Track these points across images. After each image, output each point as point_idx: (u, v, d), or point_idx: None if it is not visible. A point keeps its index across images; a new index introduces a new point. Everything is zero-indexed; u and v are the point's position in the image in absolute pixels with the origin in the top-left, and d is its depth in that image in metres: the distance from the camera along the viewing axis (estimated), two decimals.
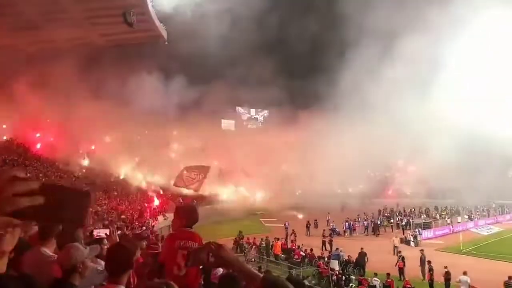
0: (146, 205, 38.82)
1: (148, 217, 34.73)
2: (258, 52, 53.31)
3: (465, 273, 17.36)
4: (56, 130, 40.75)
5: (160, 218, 35.33)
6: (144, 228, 26.96)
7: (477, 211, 43.22)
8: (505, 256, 24.86)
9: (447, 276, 18.41)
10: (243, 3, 42.46)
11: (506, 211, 45.09)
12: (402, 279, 19.93)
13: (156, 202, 40.73)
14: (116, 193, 39.36)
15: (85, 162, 43.92)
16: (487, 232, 35.94)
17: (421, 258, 21.30)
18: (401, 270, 20.85)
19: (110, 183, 41.66)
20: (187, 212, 4.53)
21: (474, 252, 27.14)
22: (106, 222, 26.52)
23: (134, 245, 3.12)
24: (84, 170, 42.09)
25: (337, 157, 46.71)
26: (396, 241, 27.49)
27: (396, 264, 21.22)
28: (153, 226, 31.49)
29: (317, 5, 57.33)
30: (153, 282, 2.94)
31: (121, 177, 45.23)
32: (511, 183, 48.29)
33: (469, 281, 16.88)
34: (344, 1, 47.52)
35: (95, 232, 15.94)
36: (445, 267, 18.72)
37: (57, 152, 38.81)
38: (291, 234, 30.48)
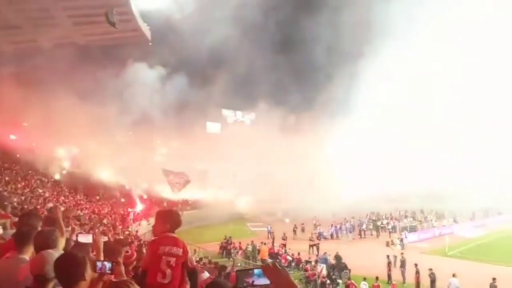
0: (129, 209, 38.16)
1: (131, 222, 34.13)
2: (244, 53, 53.13)
3: (454, 275, 17.29)
4: (36, 133, 39.81)
5: (144, 223, 34.75)
6: (127, 233, 26.39)
7: (462, 214, 43.59)
8: (490, 258, 25.00)
9: (432, 278, 18.37)
10: (228, 3, 42.44)
11: (491, 214, 45.63)
12: (389, 282, 19.84)
13: (140, 206, 40.08)
14: (98, 197, 38.60)
15: (66, 165, 42.98)
16: (472, 234, 36.21)
17: (401, 261, 21.34)
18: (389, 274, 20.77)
19: (91, 187, 40.78)
20: (169, 216, 4.29)
21: (459, 255, 27.22)
22: (88, 227, 25.84)
23: (83, 256, 2.86)
24: (64, 172, 41.17)
25: (326, 161, 46.81)
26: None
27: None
28: (137, 231, 30.96)
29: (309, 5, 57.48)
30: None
31: (104, 180, 44.40)
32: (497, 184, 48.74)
33: (459, 284, 16.80)
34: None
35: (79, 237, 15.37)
36: (430, 269, 18.66)
37: (37, 156, 37.90)
38: (282, 238, 30.19)
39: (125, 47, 42.16)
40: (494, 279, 16.68)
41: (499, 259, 24.67)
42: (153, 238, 4.43)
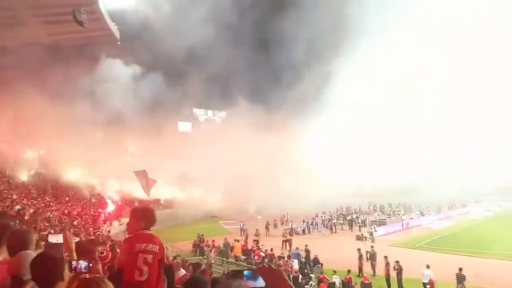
0: (100, 210, 37.47)
1: (102, 223, 33.56)
2: (218, 52, 53.02)
3: (428, 267, 17.88)
4: (3, 134, 38.46)
5: (115, 223, 34.22)
6: (99, 233, 25.96)
7: (428, 208, 44.99)
8: (456, 249, 26.01)
9: (398, 270, 18.88)
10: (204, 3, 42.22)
11: (455, 206, 47.31)
12: (360, 275, 20.27)
13: (111, 207, 39.40)
14: (68, 198, 37.70)
15: (34, 166, 41.75)
16: (438, 226, 37.48)
17: (370, 254, 21.77)
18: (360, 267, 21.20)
19: (61, 188, 39.77)
20: (144, 214, 4.26)
21: (427, 247, 28.11)
22: (58, 229, 25.28)
23: (61, 257, 2.88)
24: (32, 173, 40.00)
25: (296, 158, 47.20)
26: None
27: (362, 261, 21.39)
28: (109, 232, 30.48)
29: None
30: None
31: (74, 181, 43.36)
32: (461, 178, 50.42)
33: (432, 275, 17.36)
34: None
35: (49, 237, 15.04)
36: (396, 262, 19.18)
37: (4, 157, 36.65)
38: (254, 234, 30.30)
39: (96, 46, 41.31)
40: (460, 269, 17.27)
41: (465, 249, 25.70)
42: (127, 236, 4.40)
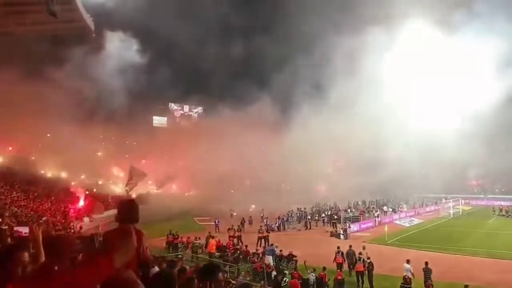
0: (70, 206, 36.55)
1: (73, 219, 32.76)
2: (193, 47, 52.59)
3: (408, 262, 18.20)
4: None
5: (86, 219, 33.55)
6: (71, 230, 25.42)
7: (400, 205, 45.92)
8: (425, 245, 26.70)
9: (369, 267, 19.14)
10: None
11: (426, 203, 48.52)
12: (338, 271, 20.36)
13: (81, 203, 38.52)
14: (36, 193, 36.53)
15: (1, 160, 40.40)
16: (409, 223, 38.34)
17: (348, 252, 21.72)
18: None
19: (30, 182, 38.49)
20: (123, 207, 4.16)
21: (398, 243, 28.72)
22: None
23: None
24: None
25: (272, 154, 47.35)
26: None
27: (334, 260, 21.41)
28: (80, 228, 29.83)
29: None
30: None
31: (43, 176, 42.18)
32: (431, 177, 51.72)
33: (411, 269, 17.69)
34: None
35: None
36: (368, 258, 19.45)
37: None
38: (229, 229, 30.04)
39: (70, 39, 40.27)
40: (426, 262, 17.76)
41: (434, 246, 26.43)
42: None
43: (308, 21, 49.41)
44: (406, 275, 17.19)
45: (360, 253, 20.27)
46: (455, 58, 45.48)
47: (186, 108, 70.51)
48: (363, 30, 45.93)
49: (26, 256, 2.77)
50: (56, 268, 2.87)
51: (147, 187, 46.68)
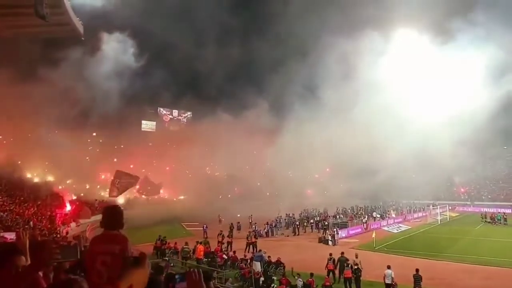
0: (57, 210, 36.08)
1: (59, 224, 32.35)
2: (186, 51, 52.56)
3: (389, 267, 18.23)
4: None
5: (73, 224, 33.13)
6: (57, 235, 25.05)
7: (388, 211, 46.20)
8: (413, 251, 26.85)
9: (357, 274, 19.17)
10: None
11: (414, 209, 48.87)
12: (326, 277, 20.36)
13: (68, 207, 38.06)
14: (22, 198, 35.99)
15: None
16: (397, 230, 38.55)
17: (340, 259, 21.57)
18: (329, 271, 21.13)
19: (15, 187, 37.92)
20: (108, 213, 4.08)
21: (386, 249, 28.80)
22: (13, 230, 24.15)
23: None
24: None
25: (263, 159, 47.31)
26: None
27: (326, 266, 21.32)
28: (67, 233, 29.42)
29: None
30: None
31: (29, 180, 41.55)
32: (419, 183, 52.14)
33: (392, 274, 17.74)
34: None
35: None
36: (356, 264, 19.47)
37: None
38: (219, 235, 29.91)
39: (60, 42, 39.92)
40: (417, 270, 17.78)
41: (421, 252, 26.57)
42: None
43: (302, 24, 49.73)
44: (387, 282, 17.29)
45: (347, 259, 20.29)
46: (448, 64, 46.12)
47: (175, 112, 70.29)
48: (358, 35, 46.44)
49: (23, 260, 2.77)
50: (40, 273, 2.86)
51: (133, 193, 46.19)
